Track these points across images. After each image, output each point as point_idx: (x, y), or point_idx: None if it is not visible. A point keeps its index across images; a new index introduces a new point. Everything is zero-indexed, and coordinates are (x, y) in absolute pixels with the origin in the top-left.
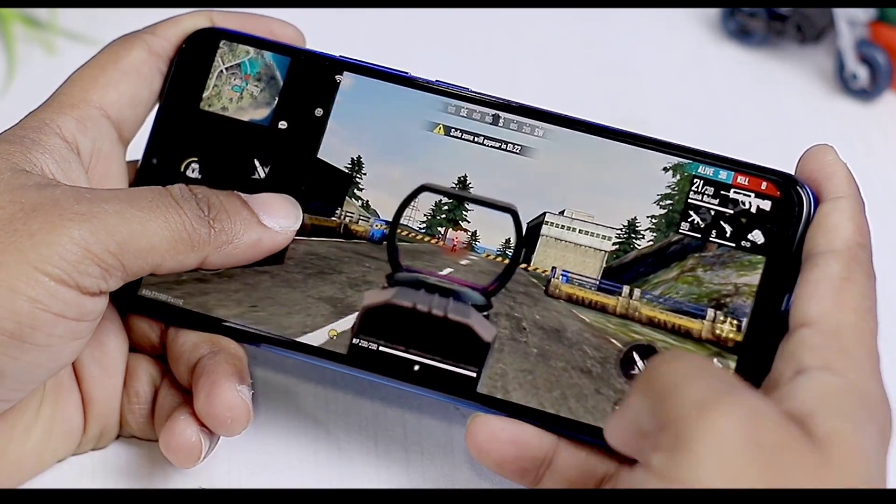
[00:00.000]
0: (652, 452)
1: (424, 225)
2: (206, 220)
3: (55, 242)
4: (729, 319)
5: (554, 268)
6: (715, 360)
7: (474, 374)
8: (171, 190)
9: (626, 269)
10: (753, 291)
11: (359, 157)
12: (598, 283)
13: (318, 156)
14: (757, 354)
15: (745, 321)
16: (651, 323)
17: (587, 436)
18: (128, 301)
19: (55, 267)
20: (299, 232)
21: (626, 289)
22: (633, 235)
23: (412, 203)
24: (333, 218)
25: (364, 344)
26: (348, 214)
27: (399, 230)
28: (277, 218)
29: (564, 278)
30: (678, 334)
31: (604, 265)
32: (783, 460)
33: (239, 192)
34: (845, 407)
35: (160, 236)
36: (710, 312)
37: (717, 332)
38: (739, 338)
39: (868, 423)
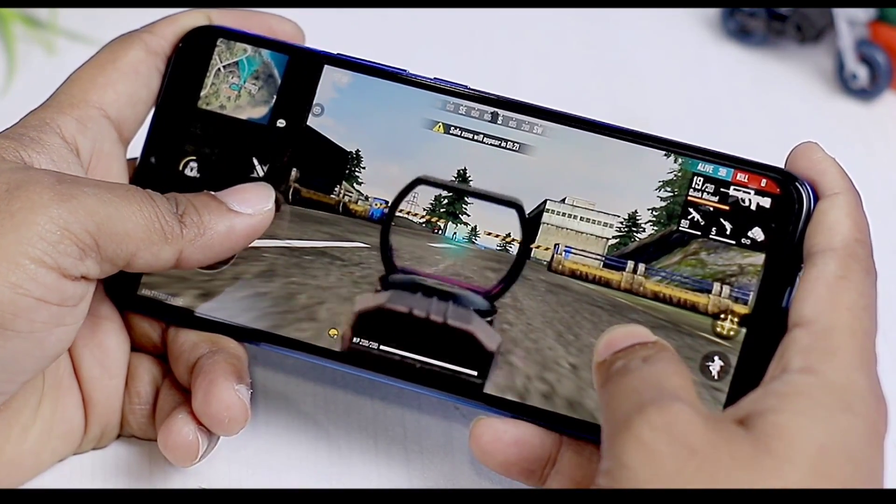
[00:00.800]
0: (597, 478)
1: (423, 220)
2: (176, 216)
3: (34, 222)
4: (729, 317)
5: (557, 244)
6: (715, 358)
7: (478, 384)
8: (146, 189)
9: (626, 258)
10: (754, 289)
11: (358, 154)
12: (602, 258)
13: (316, 151)
14: (757, 351)
15: (745, 318)
16: (656, 297)
17: (590, 435)
18: (127, 300)
19: (34, 247)
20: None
21: (630, 264)
22: (633, 229)
23: (410, 198)
24: (332, 195)
25: (364, 343)
26: (347, 194)
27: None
28: (249, 202)
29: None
30: (684, 308)
31: (605, 253)
32: (716, 455)
33: (209, 191)
34: (806, 404)
35: (134, 223)
36: (717, 287)
37: (719, 324)
38: (739, 335)
39: (841, 418)
